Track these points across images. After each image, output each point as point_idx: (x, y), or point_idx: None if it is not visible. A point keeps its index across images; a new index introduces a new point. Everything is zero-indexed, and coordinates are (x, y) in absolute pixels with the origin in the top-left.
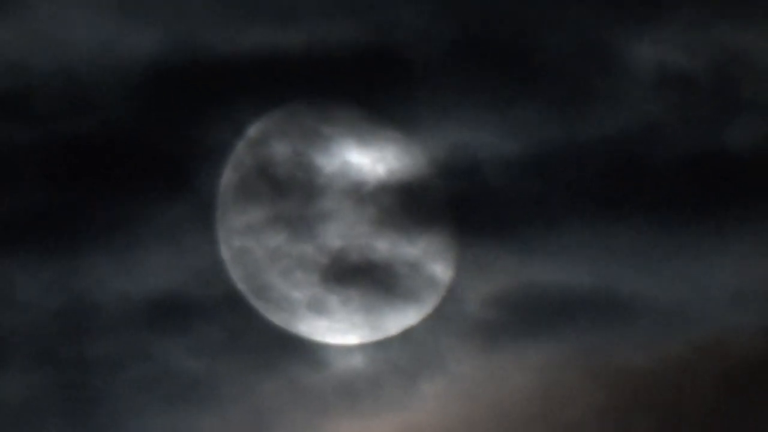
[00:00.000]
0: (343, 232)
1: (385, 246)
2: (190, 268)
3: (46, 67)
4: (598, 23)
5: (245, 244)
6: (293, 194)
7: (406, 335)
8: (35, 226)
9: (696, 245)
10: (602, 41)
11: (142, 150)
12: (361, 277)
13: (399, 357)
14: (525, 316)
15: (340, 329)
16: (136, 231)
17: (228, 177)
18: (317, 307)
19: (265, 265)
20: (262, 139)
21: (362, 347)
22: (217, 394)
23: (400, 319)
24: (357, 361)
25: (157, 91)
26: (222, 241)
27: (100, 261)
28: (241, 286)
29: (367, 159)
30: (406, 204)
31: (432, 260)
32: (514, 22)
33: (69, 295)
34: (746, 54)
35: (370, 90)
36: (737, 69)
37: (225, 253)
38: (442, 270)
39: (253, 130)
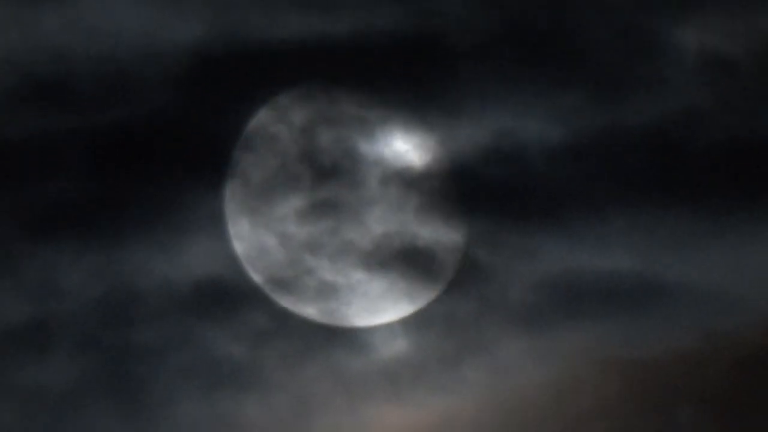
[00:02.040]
0: (387, 218)
1: (429, 232)
2: (234, 254)
3: (90, 55)
4: (639, 8)
5: (289, 230)
6: (337, 180)
7: (450, 321)
8: (78, 213)
9: (739, 231)
10: (644, 26)
11: (185, 137)
12: (404, 263)
13: (442, 342)
14: (569, 302)
15: (384, 315)
16: (180, 218)
17: (272, 163)
18: (360, 293)
19: (308, 252)
20: (307, 125)
21: (406, 333)
22: (259, 380)
23: (444, 305)
24: (400, 347)
25: (201, 79)
26: (265, 227)
27: (144, 248)
28: (285, 272)
29: (411, 145)
30: (449, 190)
31: (476, 246)
32: (556, 8)
33: (112, 283)
34: None
35: (414, 77)
36: None
37: (268, 239)
38: (486, 256)
39: (297, 117)
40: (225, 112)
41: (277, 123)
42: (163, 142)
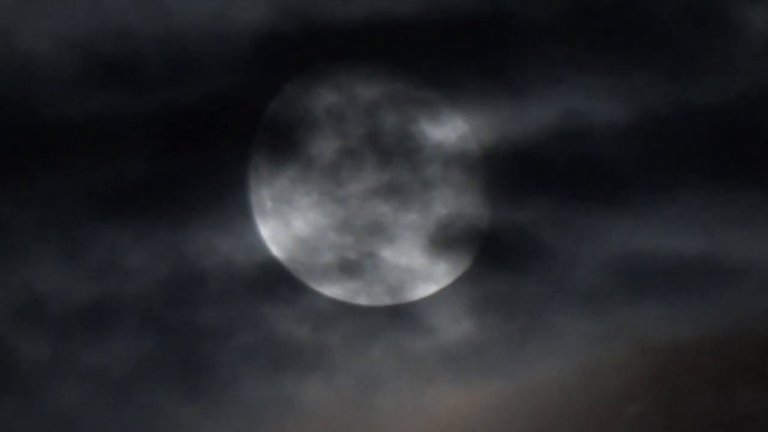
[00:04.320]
0: (451, 200)
1: (493, 214)
2: (298, 236)
3: (155, 35)
4: None
5: (353, 212)
6: (401, 162)
7: (514, 303)
8: (143, 193)
9: None
10: (713, 5)
11: (251, 118)
12: (468, 245)
13: (506, 325)
14: (633, 284)
15: (447, 297)
16: (245, 199)
17: (337, 144)
18: (424, 275)
19: (372, 234)
20: (372, 106)
21: (469, 315)
22: (323, 361)
23: (508, 287)
24: (464, 329)
25: (267, 59)
26: (330, 209)
27: (208, 229)
28: (348, 253)
29: (476, 126)
30: (514, 171)
31: (540, 227)
32: None
33: (176, 263)
34: None
35: (481, 56)
36: None
37: (333, 221)
38: (550, 237)
39: (363, 97)
40: (291, 92)
41: (342, 104)
42: (229, 123)
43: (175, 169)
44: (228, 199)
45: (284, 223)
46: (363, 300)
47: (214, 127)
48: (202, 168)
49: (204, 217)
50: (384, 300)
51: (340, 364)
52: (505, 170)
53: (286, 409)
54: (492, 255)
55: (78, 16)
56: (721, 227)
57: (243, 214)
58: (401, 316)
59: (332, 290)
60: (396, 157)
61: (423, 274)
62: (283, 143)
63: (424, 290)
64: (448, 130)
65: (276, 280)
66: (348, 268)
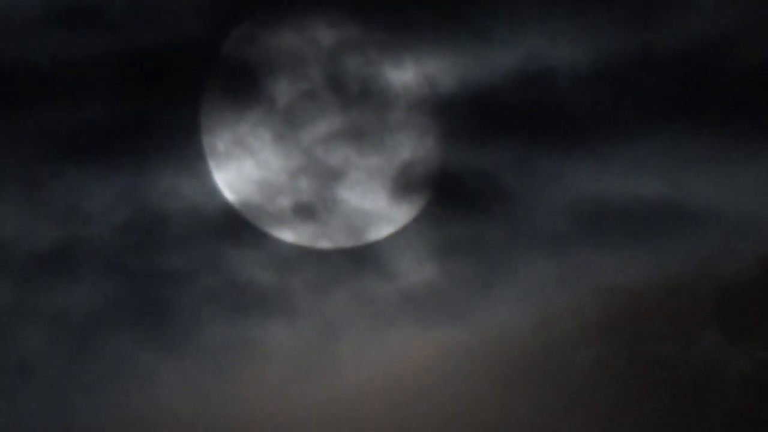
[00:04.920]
0: (413, 144)
1: (456, 158)
2: (262, 179)
3: None
4: None
5: (316, 156)
6: (364, 106)
7: (475, 246)
8: (105, 137)
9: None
10: None
11: (213, 61)
12: (430, 189)
13: (469, 268)
14: (596, 227)
15: (409, 241)
16: (207, 143)
17: (300, 88)
18: (387, 219)
19: (335, 177)
20: (334, 50)
21: (432, 259)
22: (286, 305)
23: (471, 231)
24: (427, 273)
25: (232, 4)
26: (292, 153)
27: (171, 173)
28: (311, 198)
29: (439, 69)
30: (477, 115)
31: (503, 171)
32: None
33: (139, 207)
34: None
35: (445, 1)
36: None
37: (295, 165)
38: (513, 181)
39: (326, 40)
40: (255, 35)
41: (304, 47)
42: (190, 66)
43: (137, 113)
44: (190, 144)
45: (247, 166)
46: (326, 243)
47: (175, 72)
48: (164, 112)
49: (165, 160)
50: (347, 244)
51: (303, 309)
52: (467, 114)
53: (249, 352)
54: (454, 199)
55: None
56: (683, 171)
57: (205, 157)
58: (364, 259)
59: (295, 234)
60: (358, 102)
61: (385, 218)
62: (247, 86)
63: (386, 234)
64: (410, 73)
65: (239, 225)
66: (311, 213)
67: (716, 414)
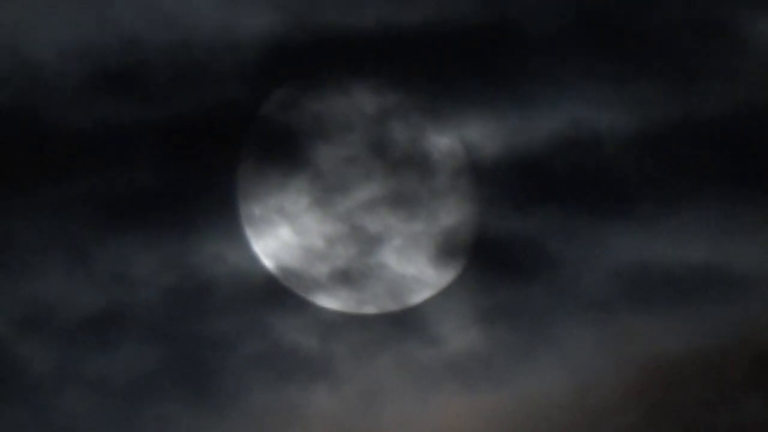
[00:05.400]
0: (458, 210)
1: (501, 223)
2: (305, 245)
3: (161, 44)
4: None
5: (360, 222)
6: (408, 171)
7: (521, 312)
8: (150, 203)
9: None
10: (719, 17)
11: (258, 127)
12: (476, 255)
13: (513, 334)
14: (640, 294)
15: (455, 307)
16: (251, 209)
17: (345, 154)
18: (431, 285)
19: (378, 244)
20: (380, 115)
21: (477, 324)
22: (329, 370)
23: (515, 296)
24: (471, 339)
25: (275, 69)
26: (337, 219)
27: (215, 238)
28: (355, 264)
29: (483, 135)
30: (521, 180)
31: (547, 236)
32: None
33: (184, 273)
34: None
35: (488, 66)
36: None
37: (340, 231)
38: (557, 246)
39: (370, 107)
40: (299, 102)
41: (351, 113)
42: (236, 133)
43: (182, 178)
44: (235, 209)
45: (292, 232)
46: (369, 309)
47: (221, 138)
48: (209, 178)
49: (211, 226)
50: (390, 309)
51: (347, 374)
52: (511, 180)
53: (292, 418)
54: (497, 264)
55: (84, 26)
56: (727, 238)
57: (249, 223)
58: (408, 324)
59: (339, 299)
60: (403, 167)
61: (430, 284)
62: (292, 152)
63: (431, 300)
64: (452, 139)
65: (283, 290)
66: (354, 278)
67: None
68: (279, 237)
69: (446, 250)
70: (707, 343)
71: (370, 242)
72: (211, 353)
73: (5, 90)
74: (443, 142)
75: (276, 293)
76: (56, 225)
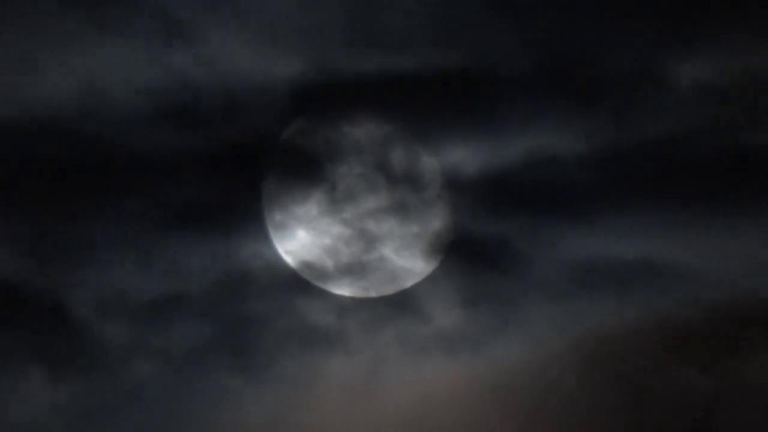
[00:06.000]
0: (444, 216)
1: (479, 226)
2: (325, 244)
3: (210, 86)
4: (647, 48)
5: (364, 225)
6: (406, 185)
7: (493, 296)
8: (200, 212)
9: (724, 224)
10: (650, 65)
11: (286, 152)
12: (458, 251)
13: (486, 313)
14: (587, 282)
15: (442, 292)
16: (282, 216)
17: (353, 172)
18: (421, 275)
19: (380, 242)
20: (381, 141)
21: (458, 306)
22: (343, 342)
23: (490, 284)
24: (454, 317)
25: (298, 105)
26: (346, 223)
27: (253, 239)
28: (361, 258)
29: (465, 157)
30: (495, 193)
31: (516, 237)
32: (580, 49)
33: (228, 266)
34: (766, 72)
35: (467, 103)
36: (759, 84)
37: (349, 232)
38: (524, 245)
39: (373, 135)
40: (315, 130)
41: (361, 139)
42: (269, 155)
43: (225, 192)
44: (268, 216)
45: (313, 235)
46: (375, 293)
47: (257, 159)
48: (247, 192)
49: (249, 230)
50: (391, 293)
51: (357, 345)
52: (486, 192)
53: (314, 379)
54: (476, 259)
55: (149, 71)
56: (657, 238)
57: (280, 227)
58: (405, 306)
59: (351, 286)
60: (402, 182)
61: (420, 273)
62: (312, 171)
63: (421, 287)
64: (441, 161)
65: (307, 279)
66: (363, 270)
67: (674, 425)
68: (298, 238)
69: (434, 247)
70: (638, 322)
71: (372, 242)
72: (250, 329)
73: (88, 122)
74: (431, 162)
75: (299, 283)
76: (128, 229)
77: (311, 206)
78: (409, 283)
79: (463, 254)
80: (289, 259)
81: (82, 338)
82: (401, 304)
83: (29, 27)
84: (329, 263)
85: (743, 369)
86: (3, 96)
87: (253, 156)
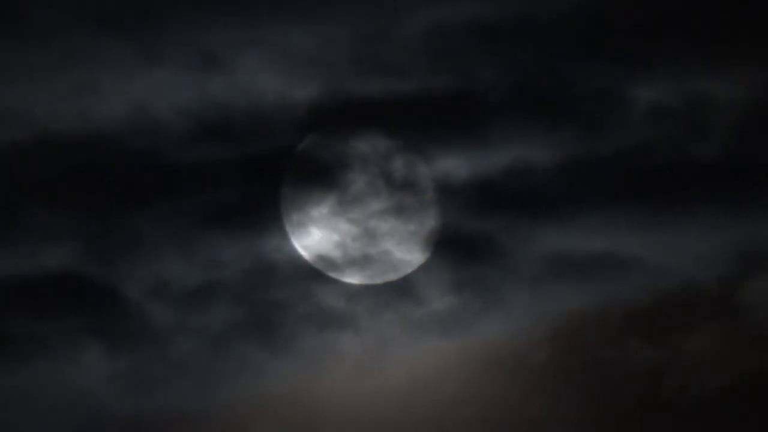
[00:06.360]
0: (439, 215)
1: (468, 224)
2: (337, 240)
3: (241, 106)
4: (611, 73)
5: (370, 224)
6: (405, 190)
7: (478, 283)
8: (233, 212)
9: (672, 224)
10: (612, 86)
11: (305, 162)
12: (449, 245)
13: (473, 298)
14: (558, 271)
15: (436, 280)
16: (301, 216)
17: (360, 179)
18: (417, 264)
19: (386, 238)
20: (385, 153)
21: (449, 292)
22: (353, 323)
23: (477, 273)
24: (446, 301)
25: (316, 123)
26: (354, 222)
27: (276, 236)
28: (367, 252)
29: (454, 166)
30: (481, 196)
31: (499, 233)
32: (553, 74)
33: (256, 258)
34: (711, 93)
35: (458, 120)
36: (705, 104)
37: (356, 230)
38: (506, 240)
39: (378, 147)
40: (328, 143)
41: (369, 151)
42: (290, 166)
43: (254, 196)
44: (289, 216)
45: (328, 231)
46: (380, 280)
47: (278, 168)
48: (272, 196)
49: (271, 227)
50: (394, 281)
51: (365, 326)
52: (474, 196)
53: (328, 356)
54: (464, 252)
55: (190, 94)
56: (617, 235)
57: (299, 226)
58: (405, 292)
59: (361, 275)
60: (402, 187)
61: (416, 264)
62: (325, 179)
63: (419, 275)
64: (436, 169)
65: (323, 268)
66: (370, 261)
67: (629, 391)
68: (313, 235)
69: (428, 242)
70: (601, 305)
71: (376, 237)
72: (273, 312)
73: (138, 137)
74: (426, 171)
75: (314, 273)
76: (172, 227)
77: (324, 208)
78: (407, 272)
79: (452, 248)
80: (305, 253)
81: (134, 319)
82: (401, 290)
83: (91, 56)
84: (339, 256)
85: (685, 343)
86: (68, 115)
87: (275, 165)
